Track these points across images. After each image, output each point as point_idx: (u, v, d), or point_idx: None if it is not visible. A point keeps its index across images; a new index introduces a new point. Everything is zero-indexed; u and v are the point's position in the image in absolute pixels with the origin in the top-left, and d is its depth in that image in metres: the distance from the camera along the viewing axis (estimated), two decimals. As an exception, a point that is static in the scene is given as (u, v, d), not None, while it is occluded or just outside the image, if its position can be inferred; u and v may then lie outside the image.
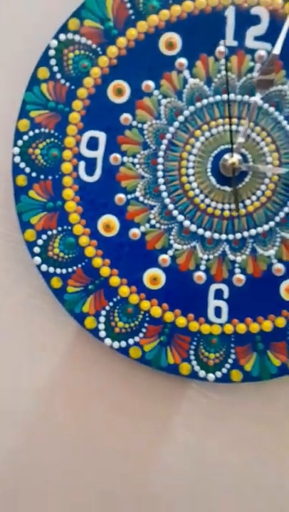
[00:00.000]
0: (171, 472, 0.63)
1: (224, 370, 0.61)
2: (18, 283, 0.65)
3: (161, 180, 0.61)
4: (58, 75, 0.60)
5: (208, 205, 0.61)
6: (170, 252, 0.61)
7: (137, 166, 0.61)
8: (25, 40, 0.63)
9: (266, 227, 0.60)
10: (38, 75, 0.60)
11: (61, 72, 0.60)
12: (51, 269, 0.61)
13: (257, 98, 0.59)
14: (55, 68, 0.60)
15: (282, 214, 0.60)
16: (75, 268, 0.61)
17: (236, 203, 0.58)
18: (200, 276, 0.61)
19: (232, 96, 0.59)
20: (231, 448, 0.63)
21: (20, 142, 0.61)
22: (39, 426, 0.65)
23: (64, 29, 0.60)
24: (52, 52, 0.60)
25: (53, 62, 0.60)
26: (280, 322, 0.60)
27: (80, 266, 0.61)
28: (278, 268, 0.60)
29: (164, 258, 0.61)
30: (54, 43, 0.60)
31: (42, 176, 0.61)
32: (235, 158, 0.57)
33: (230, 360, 0.61)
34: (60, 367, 0.64)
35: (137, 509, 0.65)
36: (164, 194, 0.61)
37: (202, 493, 0.63)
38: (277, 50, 0.57)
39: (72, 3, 0.60)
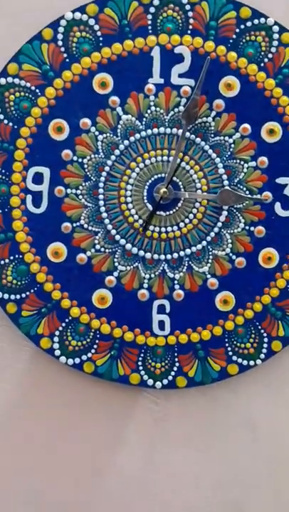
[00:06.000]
0: (124, 475, 0.70)
1: (170, 378, 0.67)
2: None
3: (102, 209, 0.66)
4: (1, 116, 0.65)
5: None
6: (115, 274, 0.67)
7: (80, 196, 0.66)
8: None
9: (199, 246, 0.67)
10: (-18, 117, 0.65)
11: (4, 113, 0.65)
12: (6, 296, 0.66)
13: (184, 130, 0.65)
14: (-2, 110, 0.65)
15: (212, 234, 0.66)
16: (28, 293, 0.66)
17: (147, 224, 0.66)
18: (143, 294, 0.67)
19: (162, 129, 0.65)
20: (183, 448, 0.70)
21: None
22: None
23: (4, 73, 0.64)
24: (-6, 96, 0.65)
25: (-5, 104, 0.65)
26: (218, 331, 0.67)
27: (32, 291, 0.66)
28: (212, 282, 0.67)
29: (110, 279, 0.67)
30: (-5, 87, 0.64)
31: (-8, 210, 0.66)
32: (164, 189, 0.64)
33: (174, 368, 0.67)
34: (19, 385, 0.69)
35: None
36: (107, 221, 0.66)
37: (154, 494, 0.70)
38: (198, 89, 0.63)
39: (10, 49, 0.65)
